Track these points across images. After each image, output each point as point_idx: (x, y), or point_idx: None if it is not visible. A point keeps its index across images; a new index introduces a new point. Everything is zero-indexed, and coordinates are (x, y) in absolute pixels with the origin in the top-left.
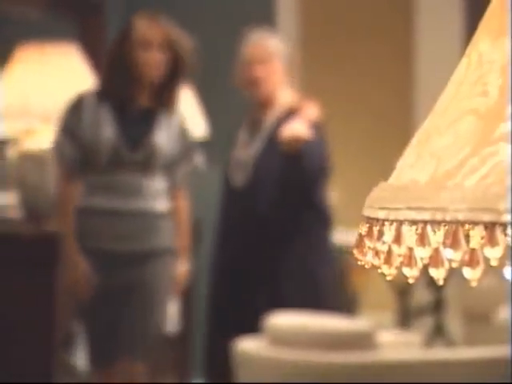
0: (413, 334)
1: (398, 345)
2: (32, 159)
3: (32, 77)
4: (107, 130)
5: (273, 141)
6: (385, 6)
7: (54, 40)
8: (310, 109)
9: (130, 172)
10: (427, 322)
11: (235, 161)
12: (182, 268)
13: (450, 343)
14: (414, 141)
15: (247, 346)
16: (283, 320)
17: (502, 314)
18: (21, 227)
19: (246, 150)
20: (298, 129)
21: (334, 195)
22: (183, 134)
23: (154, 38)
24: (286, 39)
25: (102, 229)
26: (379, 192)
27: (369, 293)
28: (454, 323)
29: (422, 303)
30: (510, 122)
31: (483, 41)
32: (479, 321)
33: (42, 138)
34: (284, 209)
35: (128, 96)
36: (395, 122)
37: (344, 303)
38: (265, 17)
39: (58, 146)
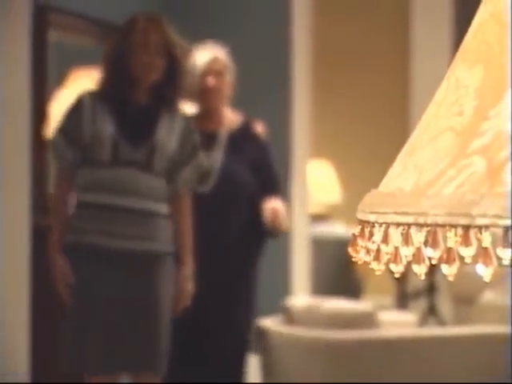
0: (409, 314)
1: (396, 323)
2: None
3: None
4: (107, 129)
5: (233, 154)
6: (384, 41)
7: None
8: (259, 126)
9: (130, 170)
10: (422, 304)
11: None
12: (185, 274)
13: (442, 322)
14: (401, 153)
15: (267, 324)
16: (298, 302)
17: (486, 296)
18: None
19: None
20: (277, 206)
21: (339, 195)
22: (187, 135)
23: (153, 40)
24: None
25: (98, 226)
26: (370, 198)
27: (371, 279)
28: (444, 305)
29: (417, 288)
30: (510, 122)
31: (459, 68)
32: (466, 303)
33: None
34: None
35: (126, 96)
36: (392, 134)
37: (350, 288)
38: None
39: (56, 146)
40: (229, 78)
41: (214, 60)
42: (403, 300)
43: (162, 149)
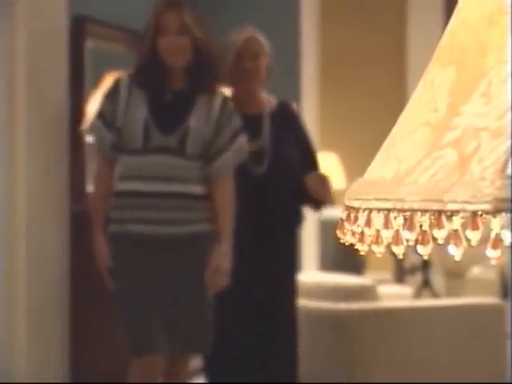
0: (406, 288)
1: (394, 296)
2: None
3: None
4: (140, 114)
5: (278, 134)
6: (384, 44)
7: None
8: (294, 106)
9: (162, 156)
10: (417, 278)
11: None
12: (222, 252)
13: (435, 294)
14: (384, 145)
15: None
16: (307, 277)
17: (474, 271)
18: None
19: (256, 142)
20: (325, 178)
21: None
22: (227, 119)
23: (171, 23)
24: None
25: (135, 213)
26: (355, 186)
27: (372, 257)
28: (437, 279)
29: (413, 264)
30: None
31: (435, 69)
32: (456, 277)
33: None
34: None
35: (160, 81)
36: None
37: (353, 265)
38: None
39: (96, 131)
40: (265, 61)
41: (250, 42)
42: (400, 275)
43: (195, 134)
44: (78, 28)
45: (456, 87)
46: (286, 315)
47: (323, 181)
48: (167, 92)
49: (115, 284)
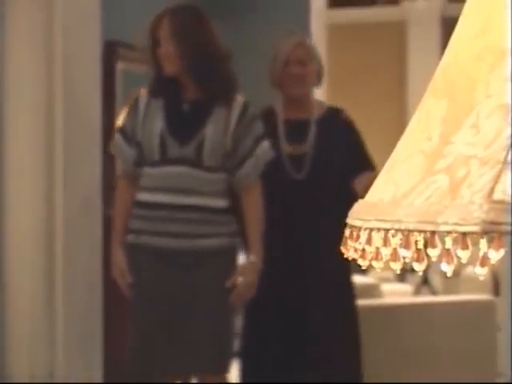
0: (407, 286)
1: (396, 293)
2: None
3: None
4: (157, 126)
5: (324, 141)
6: (386, 62)
7: None
8: (345, 111)
9: (179, 167)
10: (416, 277)
11: (286, 158)
12: (251, 264)
13: (433, 292)
14: (384, 169)
15: None
16: None
17: (468, 271)
18: None
19: (299, 147)
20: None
21: None
22: (247, 127)
23: (162, 33)
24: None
25: (153, 226)
26: (357, 207)
27: None
28: (435, 278)
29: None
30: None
31: (429, 101)
32: (453, 276)
33: None
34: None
35: (170, 92)
36: (390, 133)
37: (359, 265)
38: None
39: (117, 147)
40: (314, 67)
41: (299, 48)
42: (402, 274)
43: (212, 144)
44: (110, 52)
45: (448, 118)
46: (345, 319)
47: (372, 182)
48: (183, 103)
49: (131, 296)
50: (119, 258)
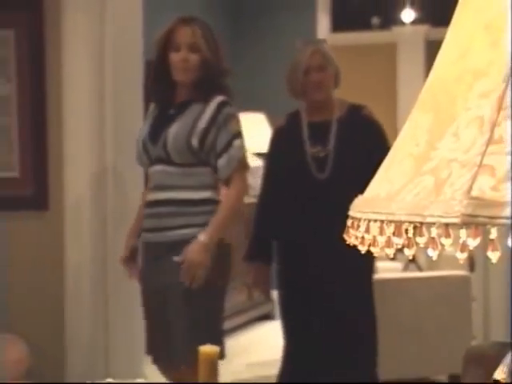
0: (397, 263)
1: (388, 269)
2: None
3: None
4: (143, 132)
5: (345, 139)
6: (378, 82)
7: None
8: (366, 108)
9: (158, 166)
10: (405, 256)
11: (310, 158)
12: (198, 247)
13: (419, 268)
14: (380, 169)
15: None
16: None
17: (448, 251)
18: None
19: (321, 148)
20: None
21: None
22: (221, 127)
23: (183, 40)
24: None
25: (146, 221)
26: (358, 202)
27: None
28: (420, 257)
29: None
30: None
31: (417, 114)
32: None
33: None
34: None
35: (166, 95)
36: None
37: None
38: None
39: (136, 149)
40: (331, 71)
41: (314, 55)
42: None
43: (174, 142)
44: (149, 68)
45: (433, 128)
46: (365, 317)
47: None
48: (171, 108)
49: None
50: (126, 245)
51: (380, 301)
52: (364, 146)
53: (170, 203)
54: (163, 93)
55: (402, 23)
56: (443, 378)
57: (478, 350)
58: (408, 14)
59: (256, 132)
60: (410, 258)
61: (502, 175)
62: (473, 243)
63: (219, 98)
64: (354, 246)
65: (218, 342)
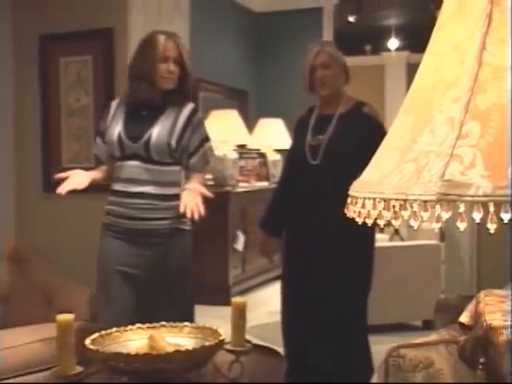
0: (384, 235)
1: (378, 240)
2: (218, 158)
3: (214, 124)
4: (116, 130)
5: (342, 132)
6: (370, 96)
7: (226, 108)
8: (367, 106)
9: (133, 161)
10: (391, 229)
11: (308, 145)
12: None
13: (402, 239)
14: (373, 158)
15: None
16: None
17: (424, 224)
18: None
19: (319, 137)
20: None
21: None
22: (194, 130)
23: (171, 53)
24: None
25: (115, 208)
26: (356, 184)
27: None
28: (403, 229)
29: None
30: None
31: (401, 115)
32: (414, 228)
33: (223, 150)
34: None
35: (145, 101)
36: None
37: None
38: None
39: (95, 146)
40: (336, 69)
41: (319, 54)
42: (380, 228)
43: (157, 142)
44: (195, 84)
45: (414, 126)
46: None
47: None
48: (143, 110)
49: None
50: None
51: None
52: (359, 138)
53: (145, 197)
54: (141, 95)
55: (389, 50)
56: (418, 322)
57: (446, 301)
58: (393, 43)
59: (275, 133)
60: (394, 230)
61: (468, 163)
62: (445, 215)
63: (191, 105)
64: (343, 220)
65: (190, 313)
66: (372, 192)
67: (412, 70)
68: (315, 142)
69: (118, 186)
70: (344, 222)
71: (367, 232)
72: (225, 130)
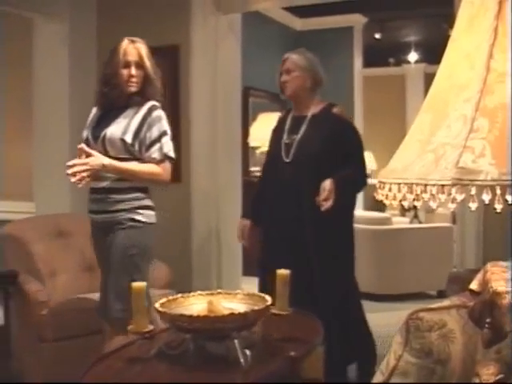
0: (406, 218)
1: (400, 222)
2: (265, 153)
3: (262, 125)
4: (87, 130)
5: (312, 132)
6: (396, 103)
7: (272, 111)
8: (336, 108)
9: None
10: (411, 213)
11: (283, 144)
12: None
13: (420, 222)
14: (398, 150)
15: None
16: (358, 213)
17: (439, 210)
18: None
19: (293, 137)
20: (326, 186)
21: (374, 165)
22: (148, 129)
23: (132, 57)
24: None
25: (89, 206)
26: (383, 171)
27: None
28: (421, 213)
29: (408, 206)
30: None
31: (422, 113)
32: (431, 212)
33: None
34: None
35: (112, 104)
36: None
37: (379, 208)
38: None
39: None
40: (299, 73)
41: (286, 62)
42: (403, 212)
43: (111, 140)
44: (246, 91)
45: (432, 122)
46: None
47: (325, 189)
48: (114, 109)
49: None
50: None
51: (394, 242)
52: (328, 136)
53: (103, 191)
54: (111, 99)
55: (409, 62)
56: (433, 292)
57: (456, 274)
58: (412, 56)
59: None
60: (414, 215)
61: (478, 153)
62: (459, 197)
63: (150, 104)
64: (380, 201)
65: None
66: (397, 178)
67: (428, 79)
68: (289, 140)
69: (91, 184)
70: (315, 211)
71: (340, 219)
72: (270, 129)
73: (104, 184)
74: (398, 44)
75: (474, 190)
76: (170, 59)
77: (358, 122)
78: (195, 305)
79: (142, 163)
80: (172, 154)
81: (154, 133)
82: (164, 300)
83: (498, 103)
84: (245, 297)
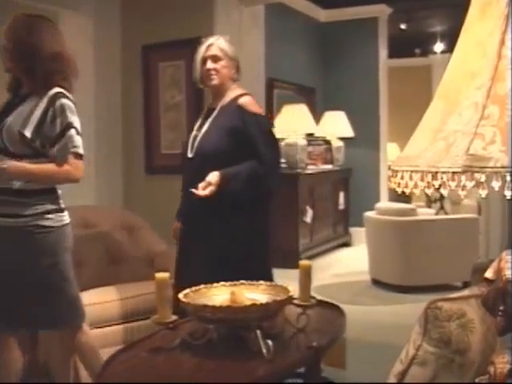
0: (431, 210)
1: (426, 214)
2: (290, 145)
3: (287, 116)
4: None
5: (216, 124)
6: (419, 88)
7: (297, 103)
8: (244, 98)
9: (0, 154)
10: (437, 205)
11: (191, 139)
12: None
13: (446, 213)
14: (411, 138)
15: (369, 214)
16: (384, 205)
17: (465, 201)
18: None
19: (199, 131)
20: (210, 178)
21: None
22: (53, 121)
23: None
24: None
25: None
26: (397, 159)
27: (413, 196)
28: (447, 205)
29: (434, 197)
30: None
31: (435, 101)
32: (457, 204)
33: (294, 138)
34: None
35: (17, 87)
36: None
37: (404, 200)
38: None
39: None
40: (226, 63)
41: (209, 47)
42: (429, 203)
43: (8, 132)
44: (271, 83)
45: (445, 110)
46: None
47: (207, 180)
48: (16, 97)
49: None
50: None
51: (420, 233)
52: (232, 128)
53: (6, 193)
54: (14, 84)
55: (435, 52)
56: (459, 283)
57: (481, 265)
58: (438, 47)
59: (338, 123)
60: (440, 206)
61: (489, 140)
62: (469, 184)
63: (54, 91)
64: (393, 189)
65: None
66: (409, 165)
67: None
68: (196, 135)
69: None
70: (220, 205)
71: (247, 211)
72: (295, 121)
73: (7, 185)
74: (423, 34)
75: (483, 177)
76: (193, 53)
77: (383, 113)
78: (218, 295)
79: (50, 162)
80: (79, 150)
81: (58, 127)
82: (187, 291)
83: (509, 90)
84: (267, 287)
